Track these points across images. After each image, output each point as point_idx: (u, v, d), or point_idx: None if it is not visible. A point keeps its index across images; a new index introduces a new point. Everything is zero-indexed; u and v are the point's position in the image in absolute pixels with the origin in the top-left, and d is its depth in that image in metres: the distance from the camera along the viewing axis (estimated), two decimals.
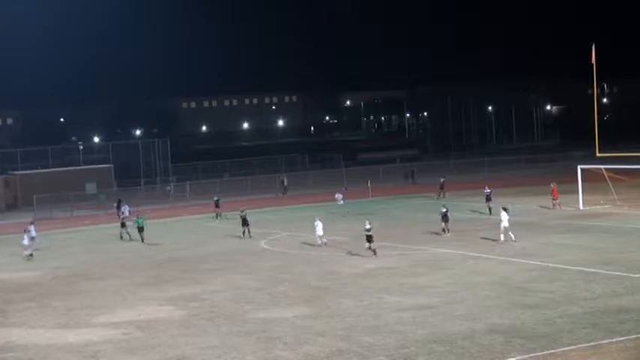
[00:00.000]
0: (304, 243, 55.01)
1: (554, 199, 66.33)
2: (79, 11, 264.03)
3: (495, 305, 33.97)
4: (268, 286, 41.43)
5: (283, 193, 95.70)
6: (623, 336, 28.24)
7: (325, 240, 52.81)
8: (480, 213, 65.25)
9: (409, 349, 28.42)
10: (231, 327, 33.28)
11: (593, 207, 64.37)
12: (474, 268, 42.93)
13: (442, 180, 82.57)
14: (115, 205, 79.04)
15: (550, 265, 42.08)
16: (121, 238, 62.34)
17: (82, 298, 41.60)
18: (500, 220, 50.16)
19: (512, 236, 49.79)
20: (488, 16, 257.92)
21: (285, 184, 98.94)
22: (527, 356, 26.84)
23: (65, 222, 78.47)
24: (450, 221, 54.99)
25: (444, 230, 54.55)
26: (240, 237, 59.28)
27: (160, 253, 55.95)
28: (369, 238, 47.44)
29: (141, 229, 60.60)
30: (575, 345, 27.55)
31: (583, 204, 64.85)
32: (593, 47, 63.77)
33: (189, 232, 67.12)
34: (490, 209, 64.20)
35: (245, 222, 59.67)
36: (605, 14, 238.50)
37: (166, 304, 38.54)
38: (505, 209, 50.78)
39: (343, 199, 74.59)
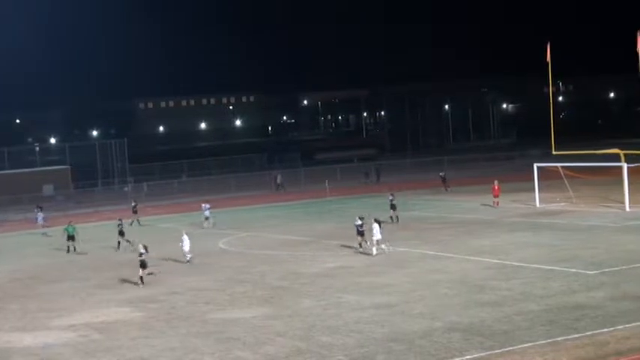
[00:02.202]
0: (263, 245, 54.97)
1: (494, 198, 67.13)
2: (32, 11, 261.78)
3: (454, 303, 34.11)
4: (227, 286, 41.34)
5: (277, 190, 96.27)
6: (580, 332, 28.45)
7: (191, 256, 49.14)
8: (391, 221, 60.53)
9: (368, 348, 28.47)
10: (189, 328, 33.18)
11: (550, 205, 64.83)
12: (432, 266, 43.07)
13: (442, 174, 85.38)
14: (35, 210, 75.74)
15: (507, 262, 42.32)
16: None
17: (39, 300, 41.30)
18: (373, 234, 47.24)
19: (385, 248, 47.30)
20: (446, 16, 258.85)
21: (279, 181, 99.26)
22: (485, 354, 26.97)
23: (21, 225, 77.83)
24: (365, 234, 48.49)
25: (360, 244, 48.72)
26: (115, 249, 57.04)
27: (117, 254, 55.62)
28: (143, 264, 43.23)
29: (70, 238, 57.39)
30: (532, 342, 27.71)
31: (540, 202, 65.31)
32: (548, 46, 64.25)
33: (145, 233, 66.78)
34: (397, 218, 60.99)
35: (121, 233, 57.63)
36: (560, 13, 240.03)
37: (124, 306, 38.35)
38: (377, 221, 47.85)
39: (210, 209, 67.47)
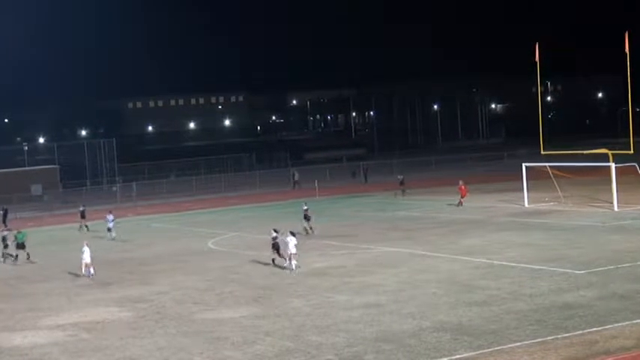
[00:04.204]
0: (249, 246, 54.92)
1: (461, 197, 67.57)
2: (21, 12, 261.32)
3: (443, 303, 34.13)
4: (216, 286, 41.29)
5: (293, 187, 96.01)
6: (569, 332, 28.49)
7: (92, 270, 45.63)
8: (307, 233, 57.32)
9: (357, 347, 28.46)
10: (178, 328, 33.12)
11: (539, 204, 64.93)
12: (421, 266, 43.08)
13: (400, 177, 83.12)
14: (1, 212, 74.95)
15: (496, 262, 42.35)
16: None
17: (28, 300, 41.14)
18: (288, 248, 43.78)
19: (294, 265, 43.57)
20: (436, 16, 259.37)
21: (296, 178, 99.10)
22: (474, 353, 26.98)
23: (9, 224, 77.41)
24: (279, 249, 44.97)
25: (273, 260, 45.41)
26: (29, 261, 53.47)
27: (105, 254, 55.49)
28: None
29: (21, 246, 53.76)
30: (521, 341, 27.73)
31: (528, 202, 65.41)
32: (537, 46, 64.38)
33: (134, 232, 66.72)
34: (312, 229, 57.49)
35: (20, 245, 53.70)
36: (548, 13, 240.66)
37: (113, 306, 38.25)
38: (292, 233, 44.65)
39: (114, 220, 62.98)
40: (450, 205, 69.35)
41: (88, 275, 45.58)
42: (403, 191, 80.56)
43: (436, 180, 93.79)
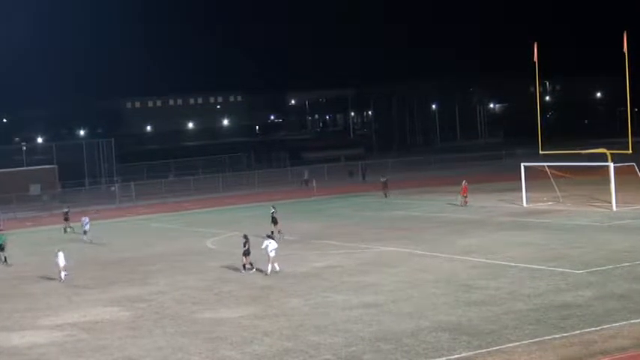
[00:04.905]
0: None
1: (463, 197, 67.53)
2: (20, 11, 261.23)
3: (441, 302, 34.12)
4: (214, 286, 41.29)
5: (307, 186, 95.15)
6: (568, 332, 28.48)
7: (66, 273, 45.38)
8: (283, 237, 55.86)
9: (356, 347, 28.45)
10: (177, 327, 33.11)
11: (537, 204, 64.95)
12: (419, 265, 43.08)
13: (384, 179, 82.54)
14: None
15: (495, 262, 42.35)
16: None
17: (27, 300, 41.14)
18: (269, 251, 43.23)
19: (277, 267, 43.33)
20: (435, 16, 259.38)
21: (306, 177, 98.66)
22: (472, 353, 26.97)
23: (7, 224, 77.52)
24: (250, 255, 44.46)
25: (244, 266, 44.48)
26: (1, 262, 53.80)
27: (105, 254, 55.53)
28: None
29: (1, 248, 54.08)
30: (520, 341, 27.72)
31: (527, 201, 65.43)
32: (536, 46, 64.39)
33: (133, 232, 66.70)
34: (279, 232, 55.80)
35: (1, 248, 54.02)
36: (548, 13, 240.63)
37: (112, 306, 38.24)
38: (269, 237, 45.06)
39: (89, 223, 62.65)
40: (450, 204, 69.44)
41: (62, 278, 45.25)
42: (385, 194, 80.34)
43: (435, 179, 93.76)
